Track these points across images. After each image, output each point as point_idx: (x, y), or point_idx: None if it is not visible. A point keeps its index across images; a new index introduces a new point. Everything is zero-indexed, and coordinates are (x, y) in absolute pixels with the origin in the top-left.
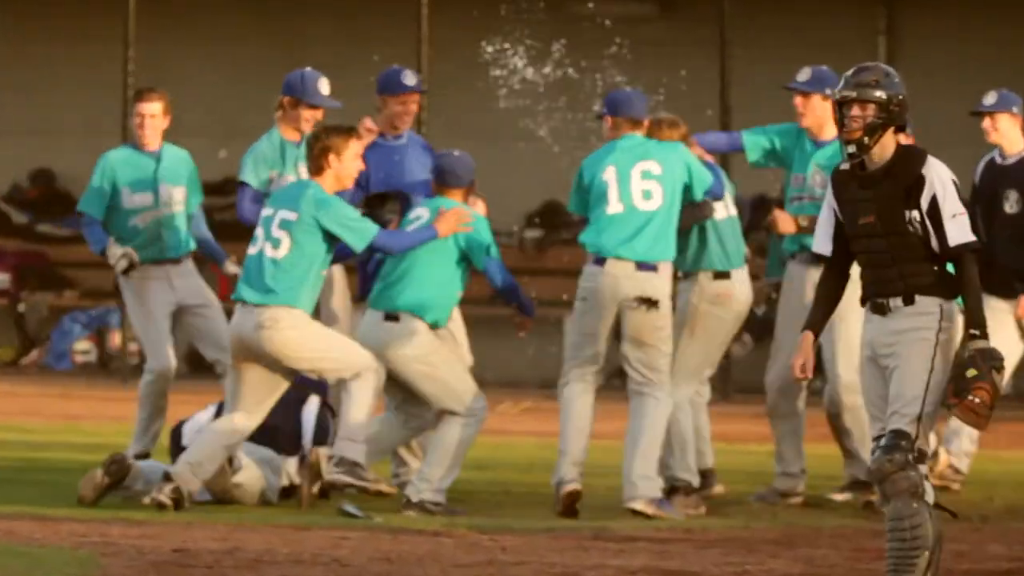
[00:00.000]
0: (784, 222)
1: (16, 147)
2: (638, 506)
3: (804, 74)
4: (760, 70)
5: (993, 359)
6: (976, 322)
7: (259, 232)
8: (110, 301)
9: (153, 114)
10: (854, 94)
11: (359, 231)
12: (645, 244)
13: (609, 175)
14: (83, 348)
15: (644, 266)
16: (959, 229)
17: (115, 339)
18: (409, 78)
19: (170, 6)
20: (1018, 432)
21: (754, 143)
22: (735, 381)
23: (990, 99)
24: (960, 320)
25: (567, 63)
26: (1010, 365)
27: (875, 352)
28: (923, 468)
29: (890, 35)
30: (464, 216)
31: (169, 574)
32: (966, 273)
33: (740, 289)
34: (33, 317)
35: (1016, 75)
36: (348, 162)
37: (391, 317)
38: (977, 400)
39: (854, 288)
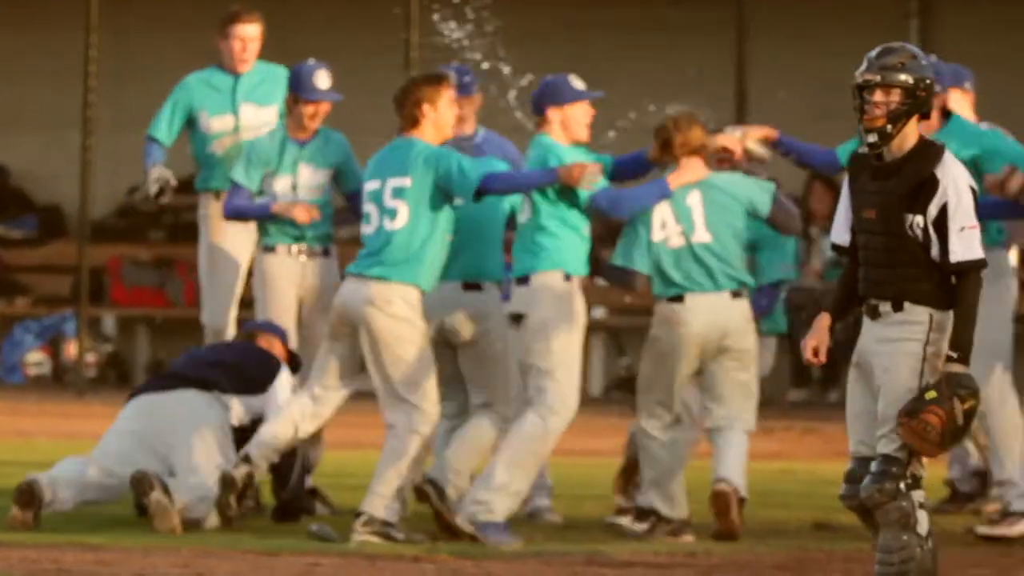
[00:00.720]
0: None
1: None
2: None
3: None
4: (779, 56)
5: (960, 386)
6: (959, 344)
7: (371, 208)
8: (65, 308)
9: (254, 37)
10: (878, 78)
11: (467, 180)
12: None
13: None
14: (36, 360)
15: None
16: (965, 245)
17: (70, 349)
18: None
19: None
20: None
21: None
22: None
23: None
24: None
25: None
26: None
27: (860, 358)
28: (917, 495)
29: (923, 17)
30: (593, 171)
31: None
32: (965, 291)
33: (694, 315)
34: None
35: None
36: (444, 110)
37: (472, 286)
38: (925, 424)
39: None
